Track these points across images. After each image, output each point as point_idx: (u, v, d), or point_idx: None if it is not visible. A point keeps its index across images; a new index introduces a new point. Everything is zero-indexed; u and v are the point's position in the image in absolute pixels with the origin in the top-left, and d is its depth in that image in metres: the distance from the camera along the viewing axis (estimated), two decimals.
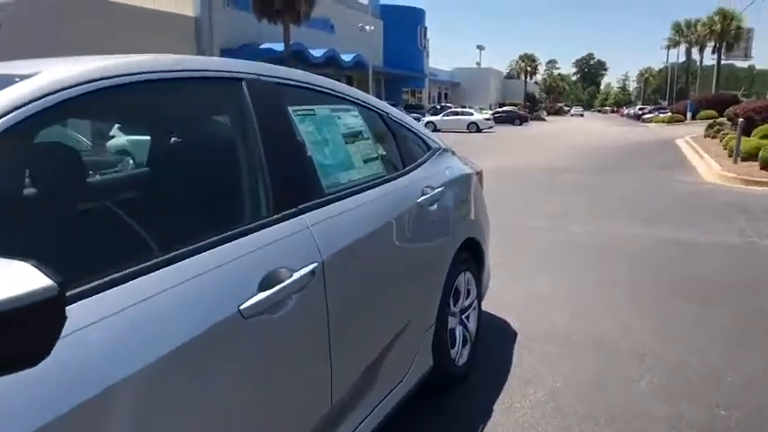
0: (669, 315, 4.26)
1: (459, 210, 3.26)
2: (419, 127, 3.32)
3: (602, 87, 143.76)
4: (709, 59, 61.02)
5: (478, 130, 35.20)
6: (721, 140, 17.15)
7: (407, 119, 3.19)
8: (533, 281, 5.21)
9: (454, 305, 3.13)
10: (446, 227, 2.98)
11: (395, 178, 2.68)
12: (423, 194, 2.75)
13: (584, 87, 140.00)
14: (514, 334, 3.95)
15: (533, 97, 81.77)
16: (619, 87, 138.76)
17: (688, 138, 21.97)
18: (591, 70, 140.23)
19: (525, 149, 21.27)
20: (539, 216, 8.31)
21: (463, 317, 3.28)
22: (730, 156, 14.01)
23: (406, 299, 2.56)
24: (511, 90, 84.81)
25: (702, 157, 15.50)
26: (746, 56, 62.40)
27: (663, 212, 8.48)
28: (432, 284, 2.81)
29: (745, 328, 4.01)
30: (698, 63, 65.78)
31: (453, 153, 3.69)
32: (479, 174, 3.79)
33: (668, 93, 72.36)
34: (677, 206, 9.01)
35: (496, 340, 3.83)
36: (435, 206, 2.83)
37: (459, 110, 39.61)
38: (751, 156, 12.89)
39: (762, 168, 12.01)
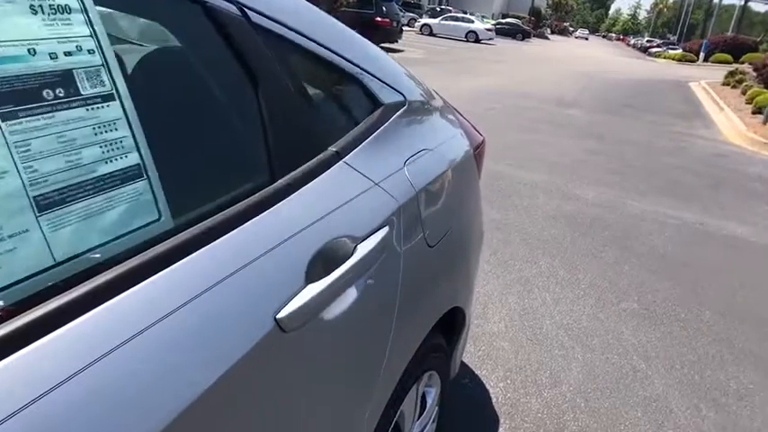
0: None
1: (435, 263, 1.53)
2: (358, 46, 1.51)
3: (610, 12, 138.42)
4: None
5: (477, 41, 32.63)
6: (744, 93, 15.30)
7: (323, 23, 1.39)
8: (524, 295, 3.55)
9: None
10: (390, 320, 1.28)
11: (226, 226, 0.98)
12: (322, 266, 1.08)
13: (593, 9, 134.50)
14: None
15: (539, 12, 77.90)
16: (629, 15, 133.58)
17: (703, 83, 20.00)
18: None
19: (525, 71, 19.16)
20: (536, 166, 6.59)
21: None
22: (755, 113, 12.27)
23: None
24: (516, 1, 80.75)
25: (723, 109, 13.70)
26: None
27: (686, 183, 6.80)
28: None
29: None
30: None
31: (444, 109, 1.95)
32: (478, 148, 2.03)
33: (679, 28, 69.13)
34: (702, 174, 7.33)
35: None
36: (367, 284, 1.15)
37: (459, 15, 36.53)
38: None
39: None
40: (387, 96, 1.49)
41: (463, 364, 2.73)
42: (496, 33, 37.63)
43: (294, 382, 0.98)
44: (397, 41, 20.94)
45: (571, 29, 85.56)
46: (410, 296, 1.33)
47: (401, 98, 1.56)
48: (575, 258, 4.14)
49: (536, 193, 5.62)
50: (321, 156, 1.17)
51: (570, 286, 3.68)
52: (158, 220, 0.85)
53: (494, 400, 2.50)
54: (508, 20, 51.39)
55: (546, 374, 2.72)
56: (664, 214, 5.41)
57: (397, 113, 1.51)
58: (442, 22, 33.88)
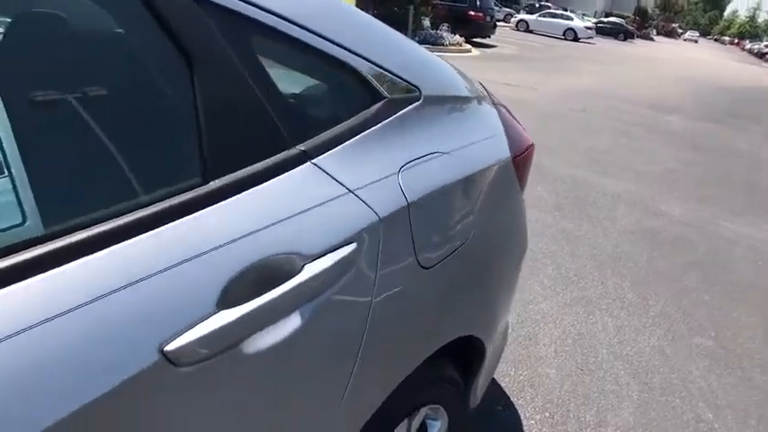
0: None
1: (431, 287, 1.27)
2: (359, 30, 1.27)
3: (726, 13, 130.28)
4: None
5: (575, 39, 31.41)
6: None
7: None
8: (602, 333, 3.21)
9: None
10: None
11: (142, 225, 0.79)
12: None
13: (706, 10, 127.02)
14: None
15: (645, 12, 74.25)
16: (746, 17, 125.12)
17: None
18: None
19: (625, 72, 18.19)
20: (622, 174, 6.11)
21: None
22: None
23: None
24: (620, 0, 77.40)
25: None
26: None
27: None
28: None
29: None
30: None
31: (485, 107, 1.70)
32: (524, 153, 1.75)
33: None
34: None
35: None
36: (317, 309, 0.94)
37: (557, 12, 35.29)
38: None
39: None
40: (393, 89, 1.26)
41: (499, 388, 2.47)
42: (597, 32, 36.12)
43: (198, 426, 0.79)
44: (489, 36, 20.45)
45: (680, 30, 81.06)
46: (386, 325, 1.10)
47: (414, 91, 1.32)
48: (648, 281, 3.74)
49: (616, 205, 5.19)
50: (281, 155, 0.97)
51: (637, 312, 3.30)
52: (21, 224, 0.68)
53: None
54: (611, 19, 49.24)
55: (592, 412, 2.41)
56: (761, 240, 4.86)
57: (406, 109, 1.27)
58: (540, 18, 32.86)
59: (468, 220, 1.37)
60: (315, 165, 1.01)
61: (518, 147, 1.72)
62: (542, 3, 44.65)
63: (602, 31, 39.98)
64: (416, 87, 1.34)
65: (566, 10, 38.20)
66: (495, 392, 2.44)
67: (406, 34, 14.51)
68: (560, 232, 4.34)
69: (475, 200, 1.42)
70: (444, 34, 16.49)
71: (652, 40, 54.35)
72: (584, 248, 4.12)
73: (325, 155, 1.03)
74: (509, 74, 12.90)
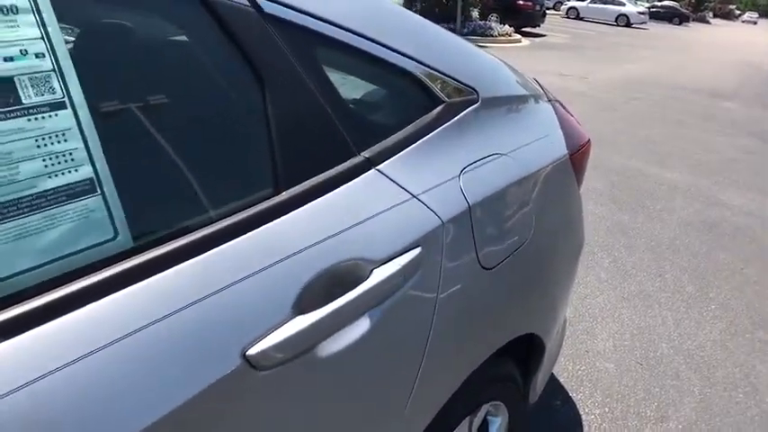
0: None
1: (492, 287, 1.29)
2: (413, 34, 1.30)
3: None
4: None
5: (628, 24, 30.59)
6: None
7: None
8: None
9: None
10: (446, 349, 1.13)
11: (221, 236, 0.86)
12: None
13: None
14: None
15: None
16: None
17: None
18: None
19: (679, 58, 17.62)
20: (678, 164, 5.97)
21: None
22: None
23: None
24: None
25: None
26: None
27: None
28: None
29: None
30: None
31: (541, 105, 1.72)
32: (580, 150, 1.76)
33: None
34: None
35: None
36: (385, 314, 0.99)
37: None
38: None
39: None
40: (451, 92, 1.30)
41: (557, 384, 2.48)
42: (650, 17, 35.06)
43: (274, 428, 0.85)
44: (539, 25, 20.15)
45: (738, 12, 77.87)
46: (450, 326, 1.14)
47: (472, 94, 1.36)
48: (708, 273, 3.67)
49: (674, 195, 5.08)
50: (347, 163, 1.02)
51: (698, 305, 3.25)
52: (114, 238, 0.74)
53: (585, 430, 2.24)
54: (664, 2, 47.69)
55: (652, 407, 2.39)
56: None
57: (464, 112, 1.31)
58: (590, 5, 32.11)
59: (527, 220, 1.40)
60: (379, 171, 1.06)
61: (575, 143, 1.73)
62: None
63: (656, 15, 38.81)
64: (473, 89, 1.37)
65: None
66: (554, 387, 2.45)
67: (454, 26, 14.34)
68: (616, 225, 4.29)
69: (533, 199, 1.44)
70: (493, 25, 16.34)
71: (708, 23, 52.41)
72: (640, 241, 4.06)
73: (388, 161, 1.08)
74: (560, 63, 12.71)
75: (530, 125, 1.59)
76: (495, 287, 1.28)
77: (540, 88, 1.88)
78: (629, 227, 4.29)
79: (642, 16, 32.24)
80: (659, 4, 45.71)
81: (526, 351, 1.66)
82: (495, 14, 17.88)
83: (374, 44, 1.13)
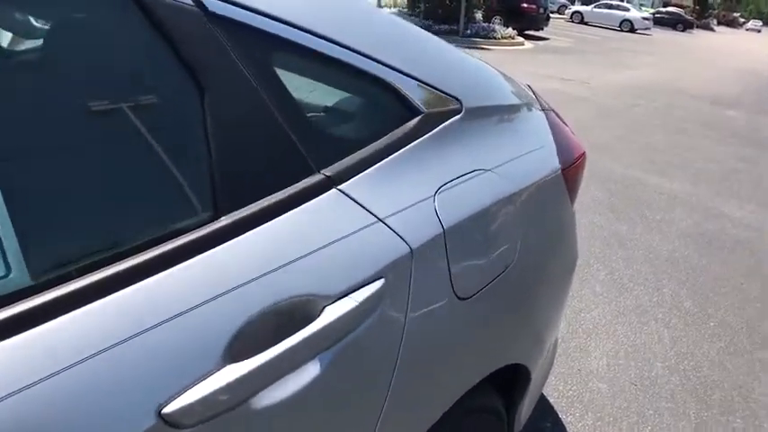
0: None
1: (469, 319, 1.16)
2: (392, 39, 1.19)
3: None
4: None
5: (632, 30, 30.50)
6: None
7: None
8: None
9: None
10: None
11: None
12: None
13: None
14: None
15: (705, 1, 71.50)
16: None
17: None
18: None
19: (683, 65, 17.51)
20: (679, 173, 5.86)
21: None
22: None
23: None
24: None
25: None
26: None
27: None
28: None
29: None
30: None
31: (534, 114, 1.62)
32: (575, 163, 1.66)
33: None
34: None
35: None
36: (339, 355, 0.87)
37: (614, 3, 34.30)
38: None
39: None
40: (430, 102, 1.19)
41: (547, 404, 2.37)
42: (655, 23, 35.01)
43: None
44: (542, 29, 20.07)
45: (742, 20, 77.74)
46: (418, 366, 1.03)
47: (454, 104, 1.25)
48: (707, 288, 3.56)
49: (673, 206, 4.97)
50: (303, 183, 0.91)
51: (696, 322, 3.14)
52: (6, 275, 0.63)
53: None
54: (669, 9, 47.61)
55: (645, 431, 2.29)
56: None
57: (445, 124, 1.20)
58: (595, 9, 32.07)
59: (512, 243, 1.29)
60: (341, 191, 0.95)
61: (568, 156, 1.63)
62: None
63: (660, 21, 38.71)
64: (457, 99, 1.26)
65: (622, 0, 37.16)
66: (543, 408, 2.34)
67: (457, 27, 14.28)
68: (614, 235, 4.18)
69: (520, 219, 1.33)
70: (496, 27, 16.26)
71: (712, 30, 52.26)
72: (638, 253, 3.96)
73: (352, 180, 0.97)
74: (562, 67, 12.60)
75: (520, 137, 1.49)
76: (472, 318, 1.17)
77: (533, 96, 1.77)
78: (626, 238, 4.18)
79: (646, 22, 32.19)
80: (663, 10, 45.66)
81: (510, 380, 1.55)
82: (498, 17, 17.80)
83: (341, 48, 1.02)
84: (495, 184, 1.25)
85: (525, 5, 18.73)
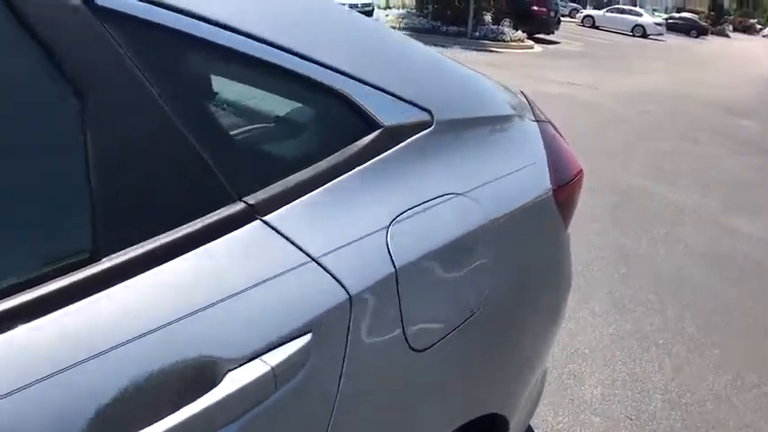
0: None
1: (427, 371, 0.96)
2: (346, 38, 1.00)
3: None
4: None
5: (644, 35, 30.14)
6: None
7: None
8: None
9: None
10: None
11: None
12: None
13: None
14: None
15: (720, 7, 70.84)
16: None
17: None
18: None
19: (696, 71, 17.23)
20: (688, 184, 5.65)
21: None
22: None
23: None
24: None
25: None
26: None
27: None
28: None
29: None
30: None
31: (525, 126, 1.44)
32: (569, 183, 1.46)
33: None
34: None
35: None
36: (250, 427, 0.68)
37: (626, 8, 33.96)
38: None
39: None
40: (394, 114, 1.00)
41: None
42: (668, 28, 34.64)
43: None
44: (552, 32, 19.82)
45: (758, 26, 77.07)
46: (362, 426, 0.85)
47: (424, 116, 1.06)
48: (715, 312, 3.35)
49: (681, 219, 4.77)
50: (216, 213, 0.72)
51: (700, 350, 2.94)
52: None
53: None
54: (683, 14, 47.10)
55: None
56: None
57: (410, 139, 1.01)
58: (607, 14, 31.76)
59: (487, 278, 1.10)
60: (266, 223, 0.76)
61: (563, 174, 1.45)
62: None
63: (674, 27, 38.29)
64: (427, 110, 1.08)
65: (635, 5, 36.83)
66: None
67: (465, 29, 14.11)
68: (616, 250, 3.98)
69: (497, 250, 1.14)
70: (506, 30, 16.05)
71: (727, 36, 51.74)
72: (642, 270, 3.75)
73: (282, 209, 0.79)
74: (571, 72, 12.38)
75: (504, 154, 1.30)
76: (432, 372, 0.98)
77: (527, 105, 1.58)
78: (630, 253, 3.98)
79: (659, 27, 31.84)
80: (677, 15, 45.24)
81: (486, 429, 1.36)
82: (508, 19, 17.56)
83: (272, 49, 0.83)
84: (467, 211, 1.07)
85: (535, 8, 18.48)
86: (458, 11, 15.50)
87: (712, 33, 46.31)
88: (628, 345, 2.90)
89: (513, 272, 1.21)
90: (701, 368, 2.78)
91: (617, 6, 33.56)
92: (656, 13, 39.25)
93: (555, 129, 1.61)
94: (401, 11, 17.76)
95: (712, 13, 56.71)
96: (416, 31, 15.04)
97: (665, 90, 11.92)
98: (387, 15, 15.98)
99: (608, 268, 3.71)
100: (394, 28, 15.08)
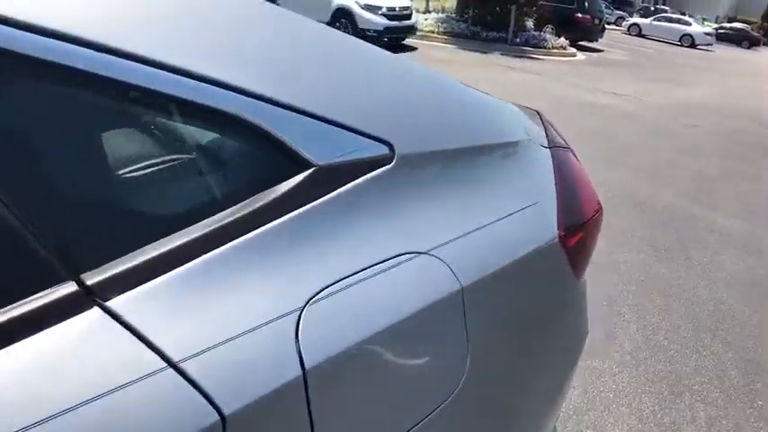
0: None
1: None
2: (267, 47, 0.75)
3: None
4: None
5: (692, 45, 29.18)
6: None
7: None
8: None
9: None
10: None
11: None
12: None
13: None
14: None
15: None
16: None
17: None
18: None
19: (746, 84, 16.49)
20: (735, 207, 5.25)
21: None
22: None
23: None
24: (748, 3, 71.69)
25: None
26: None
27: None
28: None
29: None
30: None
31: (532, 156, 1.21)
32: (585, 223, 1.22)
33: None
34: None
35: None
36: None
37: (674, 16, 32.89)
38: None
39: None
40: (333, 150, 0.77)
41: None
42: (717, 39, 33.48)
43: None
44: (596, 40, 19.31)
45: None
46: None
47: (380, 150, 0.83)
48: (758, 353, 3.01)
49: (725, 246, 4.41)
50: (35, 299, 0.51)
51: (741, 399, 2.62)
52: None
53: None
54: (734, 24, 45.61)
55: None
56: None
57: (357, 181, 0.78)
58: (654, 22, 30.84)
59: (459, 360, 0.86)
60: (107, 311, 0.54)
61: (575, 214, 1.21)
62: (659, 6, 42.08)
63: (724, 37, 37.03)
64: (386, 142, 0.84)
65: (684, 14, 35.80)
66: None
67: (506, 35, 13.80)
68: (652, 279, 3.67)
69: (477, 321, 0.90)
70: (548, 36, 15.64)
71: None
72: (679, 302, 3.43)
73: (135, 290, 0.56)
74: (615, 82, 11.95)
75: (496, 193, 1.07)
76: None
77: (539, 129, 1.35)
78: (667, 283, 3.66)
79: (708, 37, 30.81)
80: (728, 25, 43.81)
81: None
82: (550, 26, 17.14)
83: (153, 68, 0.61)
84: (431, 276, 0.83)
85: (579, 15, 18.00)
86: (499, 16, 15.16)
87: (765, 45, 44.73)
88: (658, 389, 2.60)
89: (500, 344, 0.97)
90: (740, 421, 2.47)
91: (664, 15, 32.59)
92: (706, 23, 38.07)
93: (574, 156, 1.37)
94: (441, 15, 17.46)
95: (765, 24, 54.83)
96: (456, 36, 14.77)
97: (714, 103, 11.38)
98: (426, 19, 15.66)
99: (642, 298, 3.40)
100: (432, 32, 14.84)
